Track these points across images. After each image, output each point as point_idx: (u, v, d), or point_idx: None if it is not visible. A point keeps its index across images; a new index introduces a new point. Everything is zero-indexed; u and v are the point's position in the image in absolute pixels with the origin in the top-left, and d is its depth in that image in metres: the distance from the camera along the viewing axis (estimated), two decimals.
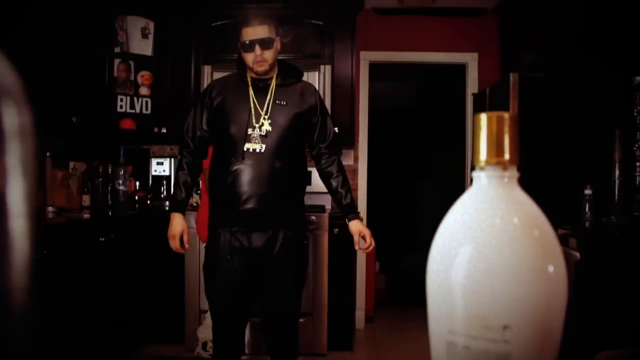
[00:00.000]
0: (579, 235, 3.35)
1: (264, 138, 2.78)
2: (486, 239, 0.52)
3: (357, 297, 4.91)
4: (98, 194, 4.51)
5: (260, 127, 2.80)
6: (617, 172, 3.61)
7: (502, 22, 5.05)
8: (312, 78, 4.45)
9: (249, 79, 2.88)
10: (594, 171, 3.88)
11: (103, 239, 3.58)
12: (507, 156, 0.54)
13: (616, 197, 3.58)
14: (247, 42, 2.81)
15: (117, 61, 4.53)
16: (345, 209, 3.00)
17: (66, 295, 3.17)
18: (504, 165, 0.54)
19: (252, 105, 2.82)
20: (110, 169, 4.58)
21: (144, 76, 4.63)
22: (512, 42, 4.86)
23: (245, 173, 2.74)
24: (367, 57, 5.13)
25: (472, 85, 5.14)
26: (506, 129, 0.54)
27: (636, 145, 3.53)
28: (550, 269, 0.51)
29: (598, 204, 3.55)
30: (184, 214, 2.94)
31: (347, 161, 4.73)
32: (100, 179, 4.54)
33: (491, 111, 0.55)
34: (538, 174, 3.98)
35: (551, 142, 4.00)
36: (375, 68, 5.41)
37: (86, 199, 4.37)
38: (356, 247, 2.97)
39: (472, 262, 0.52)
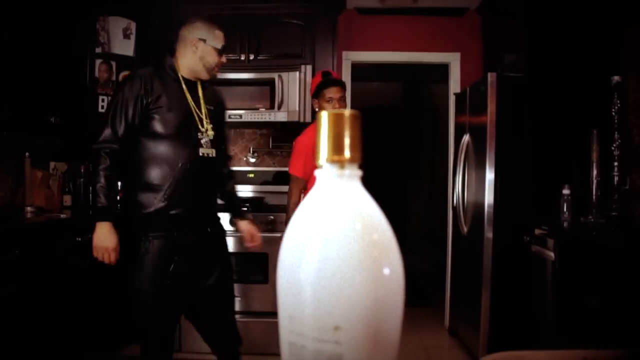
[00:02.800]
0: (554, 236, 3.36)
1: (212, 143, 2.83)
2: (323, 241, 0.52)
3: None
4: (79, 194, 4.50)
5: (206, 132, 2.82)
6: (594, 172, 3.61)
7: (484, 22, 5.06)
8: (293, 78, 4.46)
9: (181, 80, 2.82)
10: (572, 171, 3.89)
11: (80, 239, 3.57)
12: (347, 155, 0.54)
13: (594, 197, 3.58)
14: (221, 46, 2.87)
15: (98, 61, 4.53)
16: (238, 209, 3.14)
17: (41, 295, 3.16)
18: (343, 164, 0.54)
19: (193, 109, 2.80)
20: (92, 169, 4.56)
21: (125, 76, 4.62)
22: (493, 42, 4.86)
23: (197, 178, 2.77)
24: (349, 57, 5.13)
25: (454, 85, 5.15)
26: (347, 127, 0.54)
27: (614, 145, 3.53)
28: (386, 271, 0.51)
29: (576, 204, 3.55)
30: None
31: None
32: (82, 179, 4.53)
33: (350, 109, 0.55)
34: (517, 174, 3.98)
35: (530, 142, 4.01)
36: (364, 68, 5.41)
37: (67, 199, 4.37)
38: (247, 245, 3.13)
39: (312, 263, 0.51)
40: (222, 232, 3.01)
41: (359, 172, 0.55)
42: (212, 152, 2.82)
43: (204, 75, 2.87)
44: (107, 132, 2.72)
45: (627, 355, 0.76)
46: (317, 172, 0.55)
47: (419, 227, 8.38)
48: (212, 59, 2.85)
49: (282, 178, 4.81)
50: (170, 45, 3.00)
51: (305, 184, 3.58)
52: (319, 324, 0.51)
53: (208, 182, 2.84)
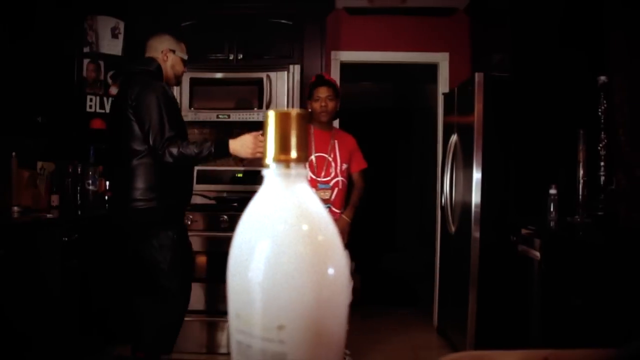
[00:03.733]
0: (540, 235, 3.37)
1: None
2: (270, 241, 0.52)
3: None
4: (67, 193, 4.49)
5: None
6: (581, 172, 3.62)
7: (473, 23, 5.07)
8: (281, 78, 4.46)
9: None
10: (559, 171, 3.90)
11: (66, 239, 3.56)
12: (293, 154, 0.54)
13: (580, 197, 3.59)
14: (187, 58, 3.35)
15: (86, 61, 4.52)
16: None
17: (26, 295, 3.15)
18: (289, 163, 0.54)
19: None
20: (80, 169, 4.56)
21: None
22: (481, 42, 4.87)
23: (191, 175, 3.26)
24: (338, 57, 5.13)
25: (443, 85, 5.15)
26: (293, 126, 0.54)
27: (600, 145, 3.54)
28: (330, 271, 0.51)
29: (563, 204, 3.56)
30: None
31: None
32: (70, 179, 4.52)
33: (289, 109, 0.55)
34: (504, 174, 3.99)
35: (517, 142, 4.02)
36: (355, 69, 5.41)
37: (55, 199, 4.36)
38: None
39: (259, 263, 0.51)
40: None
41: (306, 172, 0.55)
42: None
43: (172, 83, 3.30)
44: (170, 134, 2.95)
45: (591, 355, 0.76)
46: (264, 172, 0.55)
47: (410, 226, 8.39)
48: (180, 68, 3.29)
49: None
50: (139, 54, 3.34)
51: None
52: (263, 322, 0.51)
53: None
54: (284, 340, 0.50)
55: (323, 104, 3.68)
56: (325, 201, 3.57)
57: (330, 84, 3.76)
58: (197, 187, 4.26)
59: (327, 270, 0.51)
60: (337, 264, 0.52)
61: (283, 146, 0.54)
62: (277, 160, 0.54)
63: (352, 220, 3.80)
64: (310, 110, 3.75)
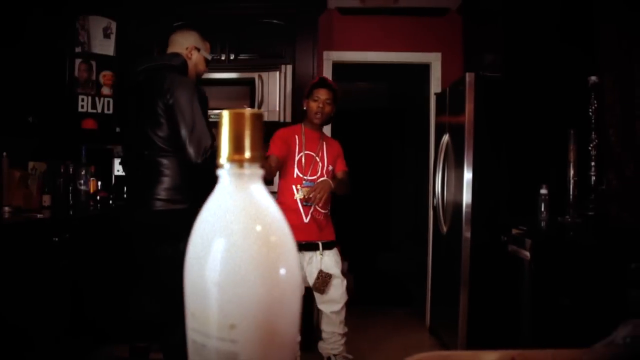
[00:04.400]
0: (530, 235, 3.37)
1: None
2: (224, 241, 0.52)
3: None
4: (59, 194, 4.49)
5: None
6: (571, 172, 3.63)
7: (465, 23, 5.07)
8: (273, 78, 4.46)
9: None
10: (550, 171, 3.90)
11: (57, 239, 3.56)
12: (247, 154, 0.54)
13: (571, 197, 3.60)
14: (210, 58, 3.26)
15: (78, 61, 4.51)
16: None
17: (16, 295, 3.15)
18: (243, 163, 0.54)
19: None
20: (71, 169, 4.55)
21: (105, 76, 4.61)
22: (473, 42, 4.88)
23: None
24: (330, 57, 5.13)
25: (435, 85, 5.16)
26: (247, 126, 0.54)
27: (591, 145, 3.54)
28: (282, 271, 0.52)
29: (554, 204, 3.57)
30: None
31: None
32: (62, 179, 4.52)
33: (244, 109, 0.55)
34: (495, 174, 3.99)
35: (508, 142, 4.02)
36: (350, 69, 5.42)
37: (46, 199, 4.35)
38: None
39: (214, 263, 0.51)
40: None
41: (260, 172, 0.55)
42: None
43: (194, 77, 3.16)
44: (207, 138, 2.80)
45: (558, 355, 0.76)
46: (219, 171, 0.55)
47: (404, 227, 8.39)
48: (202, 67, 3.19)
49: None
50: (151, 47, 3.19)
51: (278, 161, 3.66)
52: (216, 322, 0.51)
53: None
54: (236, 339, 0.50)
55: (321, 105, 3.64)
56: (309, 199, 3.53)
57: (332, 88, 3.72)
58: None
59: (278, 270, 0.51)
60: (288, 264, 0.52)
61: (237, 146, 0.54)
62: (231, 160, 0.54)
63: (333, 189, 3.52)
64: (305, 109, 3.72)
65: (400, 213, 8.55)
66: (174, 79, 2.86)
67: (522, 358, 0.77)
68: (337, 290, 3.62)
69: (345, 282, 3.68)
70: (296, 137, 3.66)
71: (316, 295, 3.63)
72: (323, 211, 3.63)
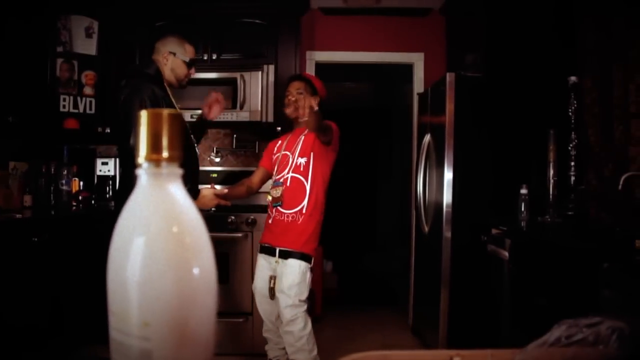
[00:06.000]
0: (508, 235, 3.38)
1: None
2: (143, 241, 0.52)
3: None
4: (40, 194, 4.47)
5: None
6: (551, 172, 3.65)
7: (448, 23, 5.09)
8: (255, 78, 4.46)
9: (167, 88, 3.18)
10: (531, 171, 3.92)
11: (36, 239, 3.54)
12: (165, 154, 0.54)
13: (551, 197, 3.62)
14: (190, 60, 3.23)
15: (59, 61, 4.49)
16: None
17: None
18: (160, 163, 0.54)
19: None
20: (53, 169, 4.53)
21: (87, 76, 4.59)
22: (456, 42, 4.89)
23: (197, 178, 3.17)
24: (313, 57, 5.13)
25: (418, 85, 5.17)
26: (165, 126, 0.54)
27: (571, 145, 3.56)
28: (196, 271, 0.52)
29: (535, 204, 3.59)
30: None
31: None
32: (43, 179, 4.50)
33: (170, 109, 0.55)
34: (476, 174, 4.00)
35: (489, 142, 4.03)
36: (335, 69, 5.42)
37: (27, 199, 4.34)
38: None
39: (134, 263, 0.52)
40: None
41: (179, 171, 0.55)
42: (198, 151, 3.28)
43: (175, 85, 3.24)
44: None
45: (496, 355, 0.77)
46: (137, 171, 0.55)
47: (390, 226, 8.41)
48: (181, 71, 3.20)
49: (245, 177, 4.80)
50: (148, 55, 3.30)
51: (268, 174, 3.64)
52: (133, 320, 0.51)
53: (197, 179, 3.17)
54: (149, 337, 0.51)
55: (292, 97, 3.39)
56: (275, 200, 3.38)
57: (303, 78, 3.54)
58: None
59: (191, 270, 0.52)
60: (203, 263, 0.53)
61: (154, 145, 0.54)
62: (148, 159, 0.54)
63: (312, 116, 3.04)
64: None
65: (387, 213, 8.56)
66: (130, 86, 2.99)
67: (460, 358, 0.77)
68: (286, 308, 3.26)
69: (301, 309, 3.30)
70: (280, 141, 3.60)
71: None
72: (286, 212, 3.37)
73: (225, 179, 4.92)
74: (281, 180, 3.41)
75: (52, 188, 4.52)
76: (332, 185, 3.54)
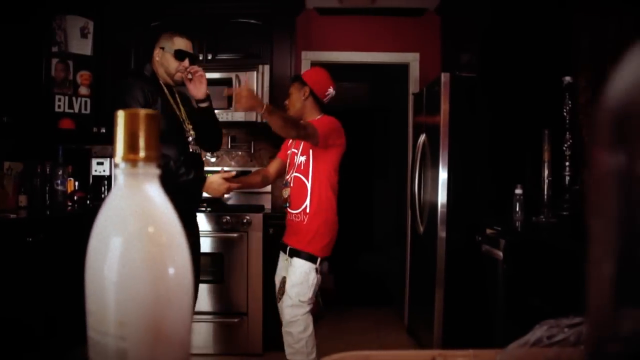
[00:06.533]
0: (503, 235, 3.39)
1: (196, 141, 3.12)
2: (119, 241, 0.52)
3: None
4: (35, 194, 4.47)
5: (189, 132, 3.10)
6: (546, 172, 3.65)
7: (443, 23, 5.09)
8: (250, 78, 4.46)
9: (163, 85, 3.08)
10: (525, 171, 3.93)
11: (31, 239, 3.54)
12: (142, 154, 0.54)
13: (545, 197, 3.62)
14: (176, 50, 3.03)
15: (54, 61, 4.49)
16: None
17: None
18: (136, 163, 0.54)
19: (177, 111, 3.07)
20: (48, 169, 4.53)
21: (83, 76, 4.59)
22: (451, 42, 4.90)
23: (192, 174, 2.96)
24: (308, 57, 5.13)
25: (413, 85, 5.18)
26: (141, 126, 0.54)
27: (565, 145, 3.56)
28: (171, 271, 0.52)
29: (529, 204, 3.59)
30: None
31: None
32: (38, 179, 4.50)
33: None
34: (471, 174, 4.00)
35: (484, 142, 4.04)
36: (331, 69, 5.42)
37: (23, 199, 4.34)
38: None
39: (111, 262, 0.52)
40: (198, 231, 3.28)
41: (156, 171, 0.55)
42: (198, 149, 3.12)
43: (170, 81, 3.07)
44: None
45: (478, 355, 0.77)
46: (115, 171, 0.55)
47: (386, 227, 8.40)
48: (171, 64, 3.03)
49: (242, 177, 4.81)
50: (143, 56, 3.27)
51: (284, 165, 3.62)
52: (108, 319, 0.51)
53: (199, 177, 2.99)
54: (125, 336, 0.51)
55: (286, 100, 3.51)
56: (284, 200, 3.41)
57: (295, 78, 3.55)
58: None
59: (167, 269, 0.52)
60: (178, 264, 0.53)
61: (131, 145, 0.54)
62: (125, 159, 0.54)
63: (265, 110, 2.98)
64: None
65: (383, 213, 8.56)
66: (118, 86, 3.01)
67: (443, 358, 0.77)
68: (287, 308, 3.29)
69: (301, 310, 3.28)
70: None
71: None
72: (293, 212, 3.39)
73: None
74: (288, 180, 3.45)
75: (47, 188, 4.52)
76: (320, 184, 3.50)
